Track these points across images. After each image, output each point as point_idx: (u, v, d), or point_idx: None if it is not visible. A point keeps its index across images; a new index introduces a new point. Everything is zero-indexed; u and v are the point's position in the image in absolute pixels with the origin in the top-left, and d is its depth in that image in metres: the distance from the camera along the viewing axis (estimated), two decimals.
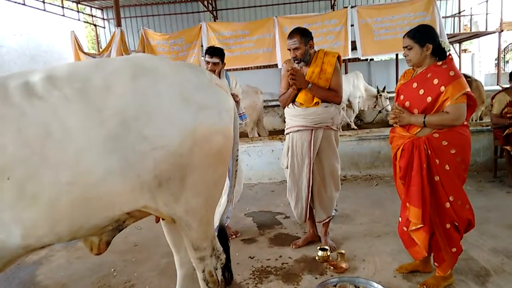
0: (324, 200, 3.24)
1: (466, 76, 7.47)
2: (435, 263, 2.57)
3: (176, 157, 1.59)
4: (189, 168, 1.64)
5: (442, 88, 2.34)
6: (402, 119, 2.50)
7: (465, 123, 2.43)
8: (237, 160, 2.12)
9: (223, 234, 2.16)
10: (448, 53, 2.47)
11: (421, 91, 2.44)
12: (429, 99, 2.39)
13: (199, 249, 1.86)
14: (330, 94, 3.09)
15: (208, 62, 3.44)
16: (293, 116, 3.19)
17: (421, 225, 2.43)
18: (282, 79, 3.24)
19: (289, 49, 3.09)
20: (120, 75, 1.59)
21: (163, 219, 1.91)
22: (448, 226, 2.44)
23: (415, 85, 2.49)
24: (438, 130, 2.40)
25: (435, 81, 2.37)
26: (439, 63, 2.44)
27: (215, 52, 3.48)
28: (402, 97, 2.58)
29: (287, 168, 3.28)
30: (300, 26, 3.21)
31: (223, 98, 1.81)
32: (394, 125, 2.59)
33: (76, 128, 1.46)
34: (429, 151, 2.39)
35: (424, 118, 2.40)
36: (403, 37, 2.53)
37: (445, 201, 2.41)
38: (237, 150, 2.08)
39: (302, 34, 3.04)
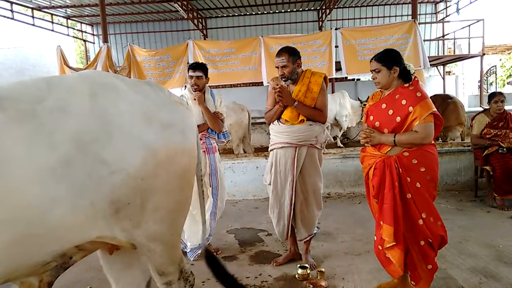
0: (306, 218, 3.23)
1: (448, 97, 7.67)
2: (412, 282, 2.57)
3: (137, 181, 1.47)
4: (152, 191, 1.53)
5: (411, 108, 2.42)
6: (373, 138, 2.56)
7: (432, 142, 2.50)
8: (201, 179, 2.04)
9: (212, 257, 2.05)
10: (413, 76, 2.56)
11: (390, 111, 2.51)
12: (398, 119, 2.46)
13: (165, 274, 1.74)
14: (316, 113, 3.12)
15: (191, 77, 3.46)
16: (278, 132, 3.21)
17: (393, 243, 2.44)
18: (269, 96, 3.27)
19: (277, 67, 3.12)
20: (77, 93, 1.45)
21: (117, 249, 1.77)
22: (422, 243, 2.46)
23: (384, 105, 2.56)
24: (408, 149, 2.46)
25: (403, 102, 2.45)
26: (406, 85, 2.53)
27: (198, 66, 3.52)
28: (372, 117, 2.64)
29: (270, 184, 3.28)
30: (288, 45, 3.26)
31: (186, 116, 1.73)
32: (366, 144, 2.64)
33: (18, 155, 1.28)
34: (400, 169, 2.44)
35: (394, 137, 2.46)
36: (370, 61, 2.62)
37: (418, 218, 2.44)
38: (201, 170, 2.00)
39: (291, 53, 3.08)
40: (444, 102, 7.35)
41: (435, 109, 2.42)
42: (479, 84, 14.86)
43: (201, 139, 3.45)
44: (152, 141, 1.52)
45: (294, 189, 3.16)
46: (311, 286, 2.86)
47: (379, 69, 2.54)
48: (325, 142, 3.33)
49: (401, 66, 2.53)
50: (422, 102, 2.41)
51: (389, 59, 2.54)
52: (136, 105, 1.54)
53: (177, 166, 1.61)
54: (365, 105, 9.43)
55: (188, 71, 3.52)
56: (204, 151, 3.45)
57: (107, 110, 1.47)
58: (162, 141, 1.55)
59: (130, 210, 1.48)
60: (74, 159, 1.35)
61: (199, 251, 3.47)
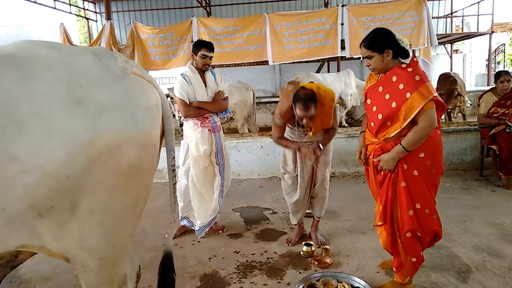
0: (322, 199, 3.33)
1: (449, 76, 7.61)
2: (393, 268, 2.50)
3: (60, 180, 1.19)
4: (84, 191, 1.25)
5: (408, 94, 2.20)
6: (387, 163, 2.34)
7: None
8: (173, 171, 1.69)
9: (169, 263, 1.75)
10: (411, 54, 2.36)
11: (387, 96, 2.31)
12: (393, 104, 2.26)
13: None
14: (333, 135, 3.17)
15: (205, 56, 3.41)
16: (297, 137, 3.18)
17: (381, 223, 2.41)
18: (274, 126, 3.17)
19: (302, 117, 2.89)
20: None
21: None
22: (408, 234, 2.33)
23: (380, 89, 2.37)
24: (406, 134, 2.27)
25: (401, 86, 2.24)
26: (404, 65, 2.30)
27: (212, 47, 3.49)
28: (369, 101, 2.48)
29: (289, 173, 3.30)
30: (307, 92, 2.86)
31: (140, 92, 1.38)
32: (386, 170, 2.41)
33: None
34: None
35: (402, 144, 2.26)
36: (360, 47, 2.38)
37: (408, 209, 2.30)
38: (173, 158, 1.66)
39: (314, 99, 2.85)
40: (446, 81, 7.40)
41: (435, 94, 2.19)
42: (487, 62, 14.62)
43: (206, 118, 3.44)
44: (83, 130, 1.21)
45: (314, 177, 3.23)
46: (316, 263, 2.91)
47: (370, 55, 2.31)
48: None
49: (394, 47, 2.29)
50: (421, 87, 2.17)
51: (379, 43, 2.29)
52: (62, 84, 1.23)
53: (122, 159, 1.30)
54: None
55: (199, 48, 3.41)
56: (210, 130, 3.45)
57: (14, 93, 1.17)
58: (99, 129, 1.23)
59: (56, 214, 1.23)
60: None
61: (207, 229, 3.53)
